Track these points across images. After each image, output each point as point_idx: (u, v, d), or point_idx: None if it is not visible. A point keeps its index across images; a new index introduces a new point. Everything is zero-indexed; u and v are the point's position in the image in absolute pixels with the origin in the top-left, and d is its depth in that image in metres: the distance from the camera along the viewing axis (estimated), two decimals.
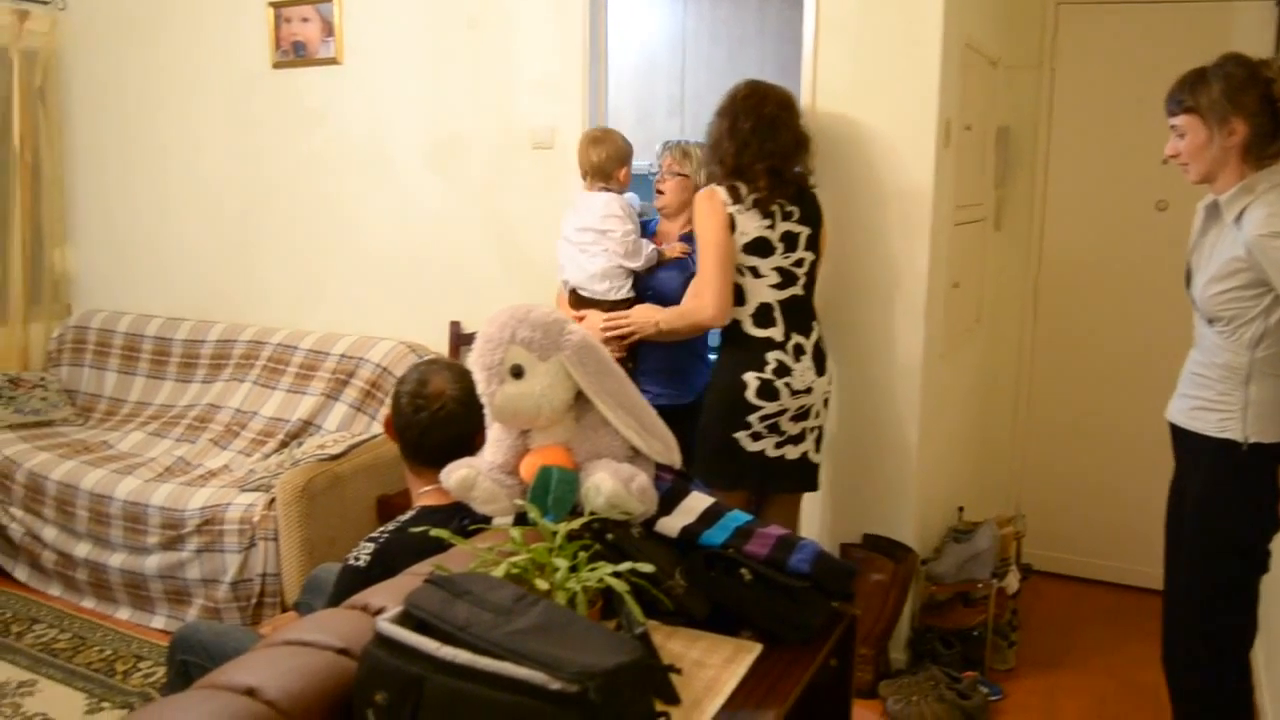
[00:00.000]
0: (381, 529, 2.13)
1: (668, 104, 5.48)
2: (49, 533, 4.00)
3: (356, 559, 2.06)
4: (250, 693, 1.27)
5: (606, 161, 3.33)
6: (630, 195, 3.45)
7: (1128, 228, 4.07)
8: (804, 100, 3.32)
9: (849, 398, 3.39)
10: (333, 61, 4.23)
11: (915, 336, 3.29)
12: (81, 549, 3.90)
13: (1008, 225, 4.22)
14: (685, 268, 3.31)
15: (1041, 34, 4.07)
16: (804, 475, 3.14)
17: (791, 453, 3.05)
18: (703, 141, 3.17)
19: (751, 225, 2.96)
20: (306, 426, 4.08)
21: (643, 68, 5.48)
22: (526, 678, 1.14)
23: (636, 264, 3.27)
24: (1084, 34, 4.05)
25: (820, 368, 3.07)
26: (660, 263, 3.35)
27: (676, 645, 1.74)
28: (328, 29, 4.20)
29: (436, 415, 2.11)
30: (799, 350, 3.01)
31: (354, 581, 1.98)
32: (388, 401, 3.93)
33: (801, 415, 3.03)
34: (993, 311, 4.23)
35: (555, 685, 1.13)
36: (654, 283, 3.33)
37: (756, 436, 2.99)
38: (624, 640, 1.25)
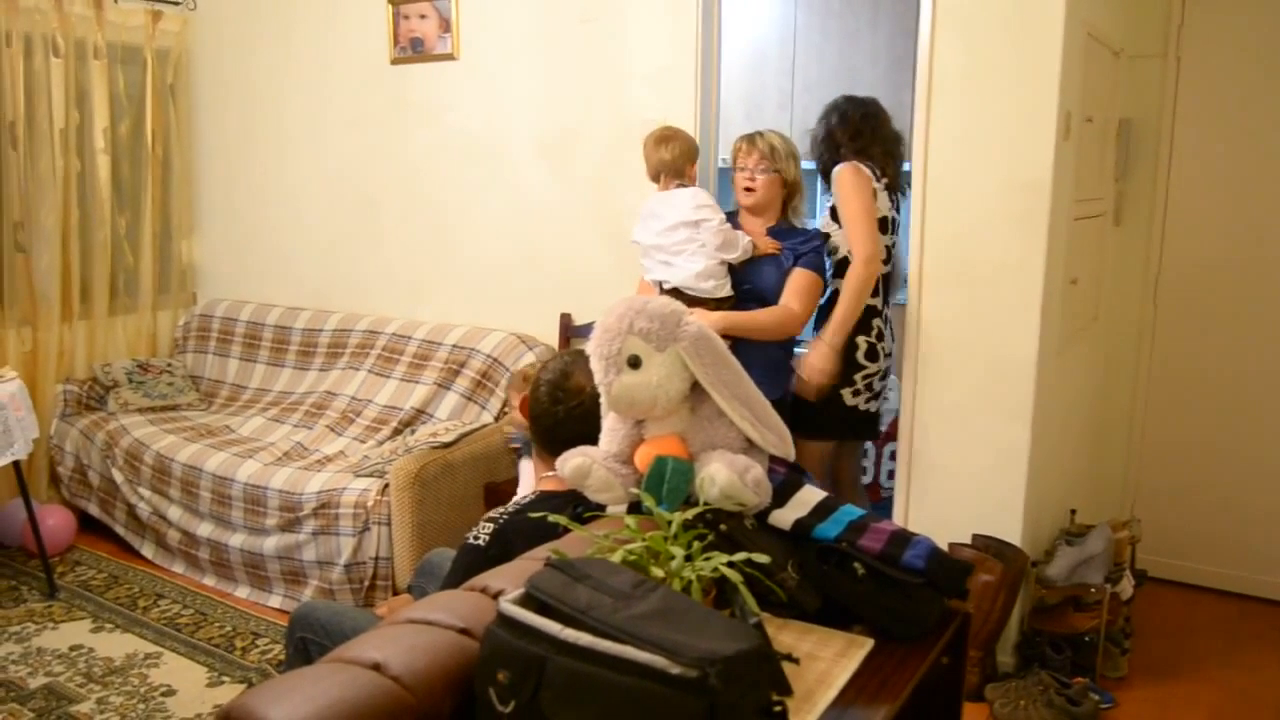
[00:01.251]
0: (501, 510, 2.18)
1: (778, 97, 5.45)
2: (174, 512, 4.16)
3: (476, 537, 2.12)
4: (376, 667, 1.32)
5: (679, 158, 3.33)
6: None
7: (1256, 224, 3.92)
8: (919, 92, 3.28)
9: (959, 393, 3.34)
10: (449, 57, 4.32)
11: (1029, 332, 3.22)
12: (204, 529, 4.05)
13: (1128, 221, 4.10)
14: (780, 264, 3.30)
15: (1167, 22, 3.94)
16: (877, 426, 3.66)
17: (873, 407, 3.53)
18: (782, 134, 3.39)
19: (883, 205, 3.39)
20: (419, 415, 4.17)
21: (753, 61, 5.46)
22: (647, 661, 1.15)
23: (733, 256, 3.24)
24: (1212, 22, 3.90)
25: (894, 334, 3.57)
26: (754, 257, 3.30)
27: (788, 637, 1.75)
28: (445, 25, 4.29)
29: (572, 410, 2.14)
30: (888, 318, 3.48)
31: (472, 559, 2.06)
32: (503, 387, 4.02)
33: (885, 375, 3.51)
34: (1110, 309, 4.12)
35: (675, 669, 1.14)
36: (752, 278, 3.30)
37: (856, 393, 3.44)
38: (743, 628, 1.26)
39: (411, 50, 4.41)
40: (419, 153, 4.52)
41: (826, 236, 3.41)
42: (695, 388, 1.80)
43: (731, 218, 3.40)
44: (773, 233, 3.36)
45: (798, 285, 3.26)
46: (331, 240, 4.89)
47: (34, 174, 4.61)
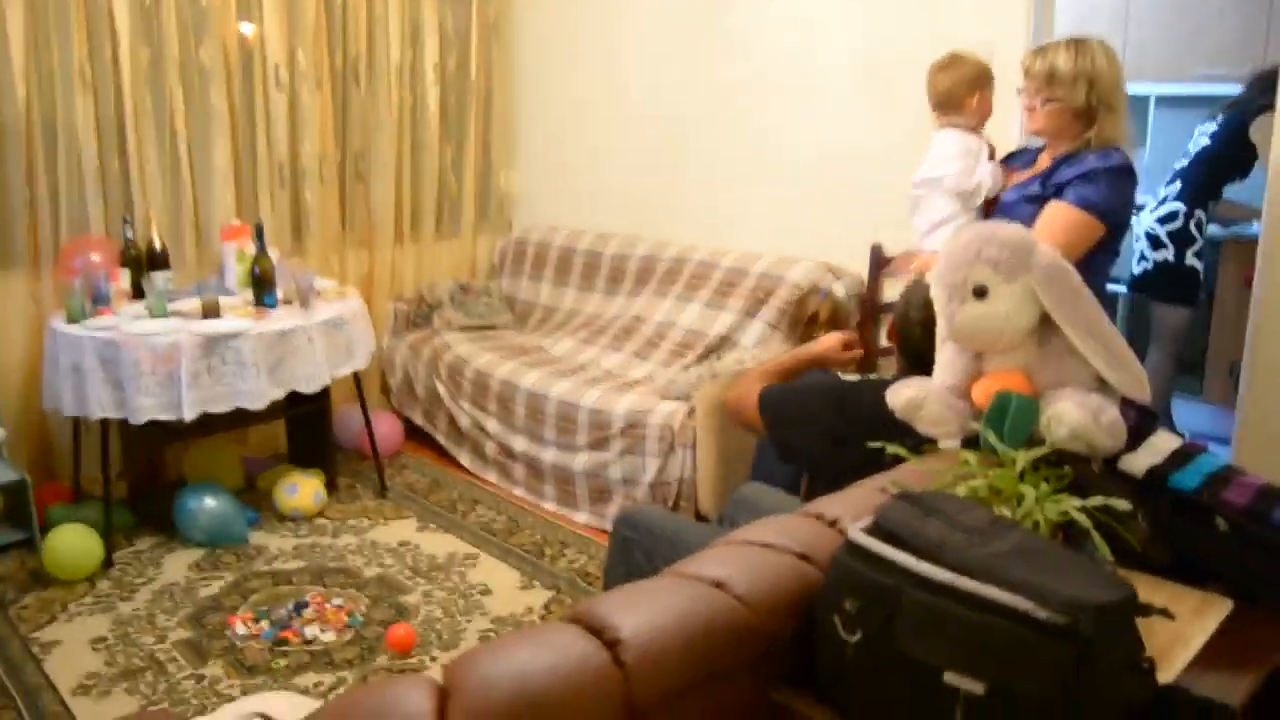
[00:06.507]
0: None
1: (1110, 16, 5.02)
2: (492, 425, 4.41)
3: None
4: (719, 585, 1.33)
5: (957, 86, 2.89)
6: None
7: None
8: None
9: None
10: None
11: None
12: (519, 443, 4.27)
13: None
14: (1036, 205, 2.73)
15: None
16: None
17: None
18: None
19: None
20: (724, 341, 4.19)
21: None
22: (1011, 602, 1.10)
23: (974, 203, 2.87)
24: None
25: None
26: (1012, 201, 2.81)
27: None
28: None
29: None
30: None
31: (831, 385, 2.41)
32: (860, 310, 3.97)
33: None
34: None
35: (1043, 614, 1.08)
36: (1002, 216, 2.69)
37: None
38: (1111, 576, 1.18)
39: None
40: (731, 81, 4.49)
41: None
42: (1044, 321, 1.69)
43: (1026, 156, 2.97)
44: (1056, 162, 2.73)
45: (1045, 221, 2.62)
46: (642, 168, 4.97)
47: (374, 107, 4.95)
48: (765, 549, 1.42)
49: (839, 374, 2.41)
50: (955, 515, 1.26)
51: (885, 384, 2.23)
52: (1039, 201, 2.67)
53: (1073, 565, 1.17)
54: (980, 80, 2.93)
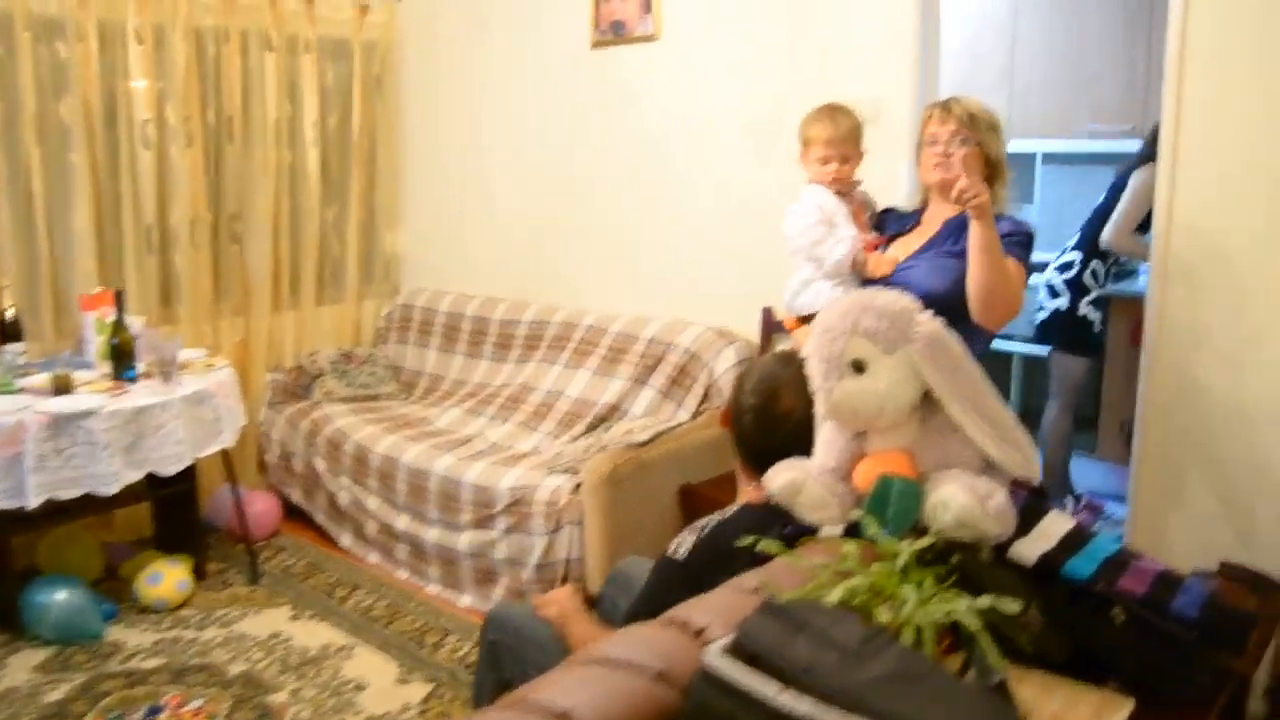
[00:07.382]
0: (704, 522, 1.99)
1: (995, 74, 5.06)
2: (372, 503, 4.17)
3: (675, 552, 1.95)
4: (564, 717, 1.15)
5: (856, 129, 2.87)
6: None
7: None
8: (1169, 64, 2.92)
9: (1209, 396, 2.97)
10: (650, 39, 4.17)
11: None
12: (401, 521, 4.03)
13: None
14: (934, 259, 2.63)
15: None
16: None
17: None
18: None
19: None
20: (614, 410, 4.04)
21: (968, 32, 5.08)
22: None
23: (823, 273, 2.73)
24: None
25: None
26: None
27: (1029, 691, 1.50)
28: (646, 6, 4.14)
29: (786, 437, 1.85)
30: None
31: (672, 575, 1.91)
32: (700, 383, 3.84)
33: None
34: None
35: None
36: (898, 283, 2.54)
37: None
38: (997, 706, 1.04)
39: (613, 33, 4.29)
40: (619, 139, 4.40)
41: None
42: (927, 397, 1.56)
43: (903, 217, 2.89)
44: (952, 224, 2.63)
45: None
46: (531, 230, 4.84)
47: (249, 166, 4.73)
48: (619, 669, 1.25)
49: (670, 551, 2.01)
50: (826, 629, 1.11)
51: (731, 516, 2.00)
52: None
53: (954, 693, 1.02)
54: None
